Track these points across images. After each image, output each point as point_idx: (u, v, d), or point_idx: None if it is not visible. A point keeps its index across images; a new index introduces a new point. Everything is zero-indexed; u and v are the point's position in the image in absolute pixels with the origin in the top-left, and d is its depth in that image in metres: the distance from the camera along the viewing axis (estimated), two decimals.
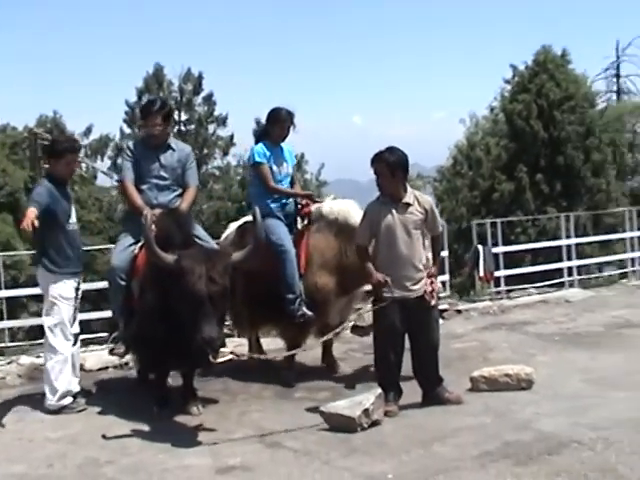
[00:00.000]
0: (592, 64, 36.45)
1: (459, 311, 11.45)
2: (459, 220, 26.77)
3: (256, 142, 8.21)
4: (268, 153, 8.03)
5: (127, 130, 38.83)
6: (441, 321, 9.26)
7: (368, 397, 6.42)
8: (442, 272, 12.63)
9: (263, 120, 8.56)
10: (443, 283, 12.75)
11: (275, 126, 8.09)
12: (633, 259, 16.70)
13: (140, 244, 7.13)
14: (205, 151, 40.98)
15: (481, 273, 13.60)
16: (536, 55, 27.60)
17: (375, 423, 6.33)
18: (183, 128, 40.95)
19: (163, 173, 7.52)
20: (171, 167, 7.53)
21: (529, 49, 28.29)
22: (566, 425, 6.18)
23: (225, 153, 41.60)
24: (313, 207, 8.07)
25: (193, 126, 41.18)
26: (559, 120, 25.43)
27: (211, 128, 41.83)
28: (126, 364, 8.63)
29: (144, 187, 7.45)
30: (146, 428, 6.60)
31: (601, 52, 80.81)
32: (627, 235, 17.18)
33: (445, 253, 12.37)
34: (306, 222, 8.07)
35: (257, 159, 8.02)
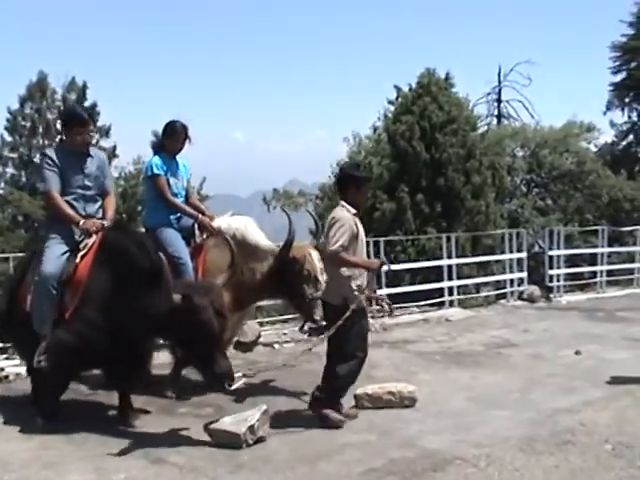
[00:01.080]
0: (474, 88, 37.40)
1: None
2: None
3: (154, 154, 8.22)
4: (165, 166, 8.05)
5: (8, 138, 37.71)
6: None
7: (253, 414, 6.43)
8: None
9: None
10: None
11: (171, 139, 8.16)
12: (512, 280, 17.11)
13: (81, 253, 7.07)
14: None
15: None
16: (420, 77, 27.96)
17: (260, 439, 6.34)
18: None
19: (88, 182, 7.43)
20: (94, 175, 7.46)
21: (413, 71, 28.74)
22: (450, 442, 6.29)
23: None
24: (214, 222, 8.11)
25: None
26: (441, 142, 25.78)
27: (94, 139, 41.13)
28: (6, 377, 8.43)
29: (69, 198, 7.33)
30: (31, 443, 6.43)
31: (484, 77, 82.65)
32: (506, 257, 17.60)
33: None
34: (205, 236, 8.13)
35: (155, 171, 8.05)
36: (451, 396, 7.85)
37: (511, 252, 17.28)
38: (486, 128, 33.41)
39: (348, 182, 7.35)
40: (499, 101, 40.15)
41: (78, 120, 7.47)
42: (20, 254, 9.39)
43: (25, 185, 39.32)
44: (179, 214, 8.17)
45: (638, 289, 18.64)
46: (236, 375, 6.49)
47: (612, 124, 44.47)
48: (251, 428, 6.32)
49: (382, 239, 15.00)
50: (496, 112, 39.96)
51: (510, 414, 7.21)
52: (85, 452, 6.27)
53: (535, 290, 16.82)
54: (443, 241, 16.51)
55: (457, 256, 16.85)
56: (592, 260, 20.51)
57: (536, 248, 25.38)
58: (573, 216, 29.43)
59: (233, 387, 6.41)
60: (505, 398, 7.78)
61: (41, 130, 39.27)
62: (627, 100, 44.28)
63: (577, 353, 10.01)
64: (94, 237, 7.13)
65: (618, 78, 44.69)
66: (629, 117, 44.63)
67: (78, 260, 7.04)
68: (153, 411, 7.51)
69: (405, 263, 18.08)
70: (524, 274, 17.17)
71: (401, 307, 13.88)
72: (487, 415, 7.21)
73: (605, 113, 44.65)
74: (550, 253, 17.89)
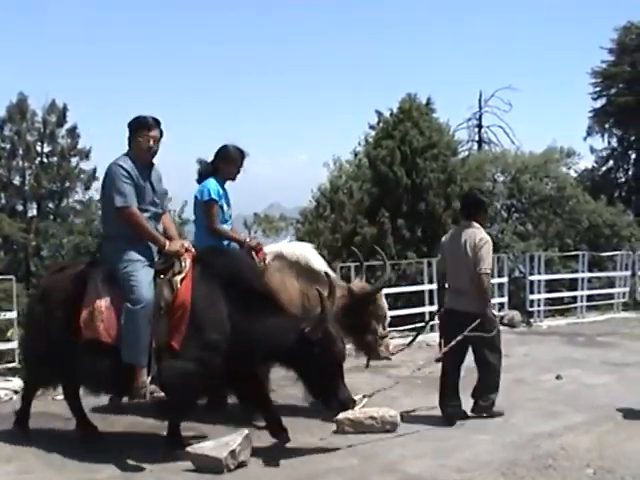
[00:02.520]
0: (455, 114, 37.65)
1: None
2: None
3: (199, 181, 8.00)
4: (221, 191, 7.86)
5: None
6: None
7: (235, 438, 6.39)
8: None
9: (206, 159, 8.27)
10: None
11: (226, 163, 7.96)
12: (492, 305, 17.08)
13: (179, 278, 6.65)
14: (67, 184, 40.22)
15: None
16: (401, 102, 28.06)
17: (242, 464, 6.29)
18: (45, 160, 40.08)
19: (156, 199, 6.99)
20: (160, 191, 7.05)
21: (395, 96, 28.82)
22: (431, 467, 6.27)
23: (87, 187, 41.03)
24: (266, 249, 7.95)
25: (55, 158, 40.39)
26: (422, 167, 25.85)
27: (74, 161, 41.07)
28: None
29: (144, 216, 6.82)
30: (9, 467, 6.39)
31: (465, 102, 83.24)
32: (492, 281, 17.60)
33: None
34: (262, 263, 7.80)
35: (212, 196, 7.78)
36: (433, 420, 7.82)
37: (492, 277, 17.28)
38: (467, 153, 33.54)
39: (480, 206, 8.37)
40: (480, 126, 40.43)
41: (143, 124, 6.82)
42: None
43: (5, 207, 39.23)
44: (227, 242, 7.90)
45: (618, 314, 18.69)
46: (356, 397, 6.99)
47: (592, 150, 44.99)
48: (232, 453, 6.25)
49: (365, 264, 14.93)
50: (477, 137, 40.29)
51: (492, 438, 7.19)
52: (64, 476, 6.20)
53: (516, 315, 16.80)
54: (424, 266, 16.50)
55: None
56: (572, 285, 20.58)
57: (516, 273, 25.41)
58: (553, 241, 29.53)
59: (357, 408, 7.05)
60: (486, 422, 7.76)
61: (21, 152, 39.22)
62: (607, 126, 44.76)
63: (558, 378, 10.00)
64: (182, 260, 6.78)
65: (598, 104, 45.29)
66: (609, 143, 45.17)
67: (179, 285, 6.63)
68: (133, 435, 7.43)
69: (385, 288, 18.00)
70: (504, 299, 17.16)
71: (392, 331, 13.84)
72: (469, 439, 7.18)
73: (585, 139, 45.17)
74: (530, 278, 17.90)
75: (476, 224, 8.12)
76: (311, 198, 30.77)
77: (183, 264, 6.75)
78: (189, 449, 6.39)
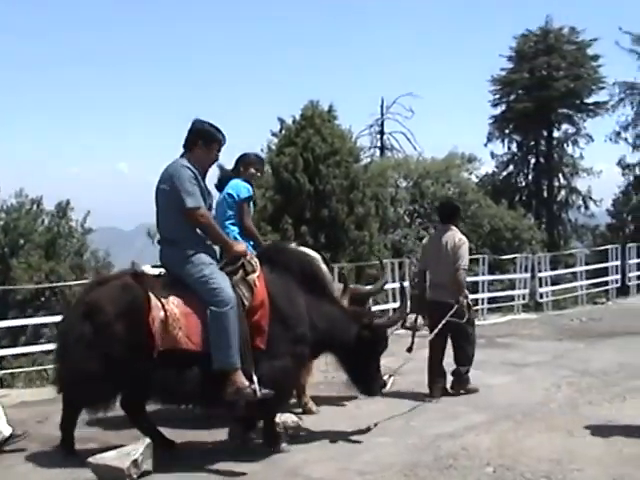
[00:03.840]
0: (358, 120, 37.89)
1: None
2: None
3: (219, 187, 8.32)
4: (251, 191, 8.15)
5: None
6: None
7: (137, 448, 6.25)
8: None
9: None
10: None
11: (248, 167, 8.39)
12: (394, 309, 17.09)
13: (255, 276, 6.68)
14: None
15: None
16: (303, 110, 28.08)
17: (144, 474, 6.13)
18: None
19: (210, 203, 7.00)
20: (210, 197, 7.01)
21: (297, 103, 28.80)
22: (334, 470, 6.23)
23: None
24: None
25: None
26: (324, 174, 25.84)
27: None
28: None
29: None
30: None
31: (367, 109, 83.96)
32: (389, 286, 17.61)
33: None
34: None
35: (249, 193, 8.18)
36: (335, 424, 7.72)
37: (394, 282, 17.31)
38: (369, 160, 33.75)
39: (456, 212, 9.65)
40: (382, 133, 40.87)
41: (218, 138, 6.86)
42: None
43: None
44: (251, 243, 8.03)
45: (518, 315, 18.90)
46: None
47: (493, 155, 45.75)
48: (135, 462, 6.06)
49: None
50: (379, 144, 40.65)
51: (393, 440, 7.13)
52: None
53: (419, 318, 16.78)
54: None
55: None
56: (474, 288, 20.77)
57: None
58: None
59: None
60: (389, 425, 7.69)
61: None
62: (507, 132, 45.64)
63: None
64: (250, 259, 6.81)
65: (498, 110, 46.11)
66: (509, 148, 46.02)
67: (257, 283, 6.65)
68: (35, 447, 7.12)
69: None
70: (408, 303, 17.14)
71: None
72: (371, 442, 7.11)
73: (486, 144, 45.92)
74: None
75: (453, 227, 9.23)
76: None
77: (254, 263, 6.79)
78: (90, 459, 6.15)
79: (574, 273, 22.57)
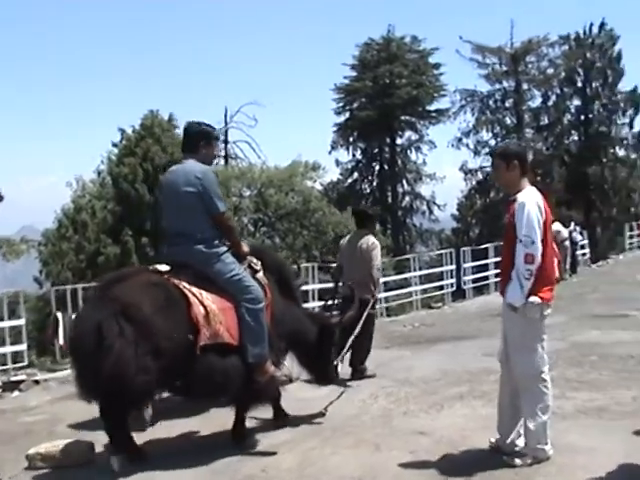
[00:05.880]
0: None
1: (37, 382, 10.83)
2: (65, 284, 25.97)
3: None
4: None
5: None
6: (16, 393, 8.77)
7: None
8: (20, 341, 12.29)
9: None
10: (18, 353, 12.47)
11: None
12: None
13: (262, 275, 7.18)
14: None
15: (61, 341, 13.01)
16: (143, 119, 27.74)
17: None
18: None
19: None
20: None
21: (138, 112, 28.42)
22: None
23: None
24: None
25: None
26: None
27: None
28: None
29: None
30: None
31: (211, 118, 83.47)
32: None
33: (23, 321, 12.09)
34: None
35: None
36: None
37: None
38: (213, 169, 33.50)
39: (369, 218, 10.52)
40: (226, 142, 40.67)
41: (216, 135, 7.35)
42: None
43: None
44: None
45: None
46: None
47: (338, 163, 46.36)
48: None
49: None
50: (223, 153, 40.40)
51: (189, 463, 6.88)
52: None
53: None
54: None
55: None
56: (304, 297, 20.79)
57: None
58: (300, 253, 30.00)
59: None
60: (191, 448, 7.43)
61: None
62: (351, 139, 46.31)
63: None
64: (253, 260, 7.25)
65: (342, 118, 46.74)
66: (354, 155, 46.75)
67: (265, 282, 7.16)
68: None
69: None
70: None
71: None
72: (166, 465, 6.80)
73: (330, 152, 46.44)
74: None
75: (367, 231, 10.19)
76: (54, 219, 29.76)
77: (257, 263, 7.24)
78: None
79: (406, 279, 22.65)
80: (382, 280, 20.26)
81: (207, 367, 6.50)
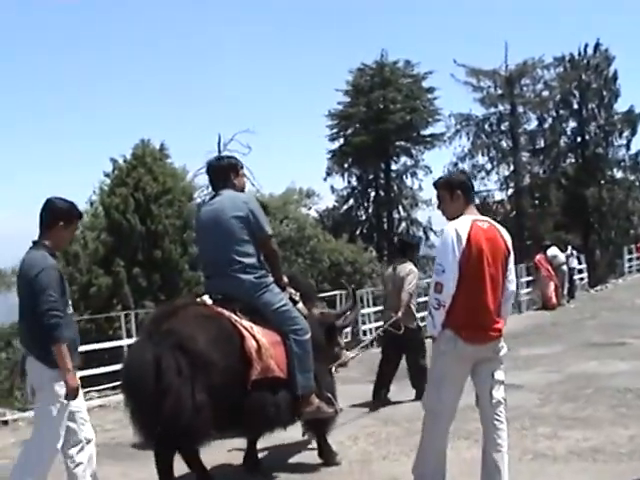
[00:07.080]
0: (195, 158, 37.39)
1: (6, 422, 10.52)
2: None
3: None
4: None
5: None
6: None
7: None
8: None
9: None
10: None
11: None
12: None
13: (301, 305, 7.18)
14: None
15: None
16: (135, 149, 27.59)
17: None
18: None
19: None
20: None
21: (129, 142, 28.25)
22: None
23: None
24: None
25: None
26: (156, 214, 25.45)
27: None
28: None
29: None
30: None
31: (204, 147, 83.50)
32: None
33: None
34: None
35: None
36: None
37: None
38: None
39: (408, 247, 10.96)
40: None
41: (242, 166, 7.34)
42: None
43: None
44: None
45: None
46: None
47: (333, 189, 46.10)
48: None
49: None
50: None
51: None
52: None
53: None
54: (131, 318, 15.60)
55: None
56: None
57: None
58: None
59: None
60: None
61: None
62: (346, 166, 46.04)
63: None
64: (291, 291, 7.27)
65: (336, 145, 46.51)
66: (349, 182, 46.45)
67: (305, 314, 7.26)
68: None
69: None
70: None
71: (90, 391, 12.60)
72: None
73: (325, 179, 46.21)
74: None
75: (407, 260, 10.49)
76: None
77: (297, 294, 7.25)
78: None
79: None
80: (365, 311, 19.86)
81: (259, 402, 6.41)
